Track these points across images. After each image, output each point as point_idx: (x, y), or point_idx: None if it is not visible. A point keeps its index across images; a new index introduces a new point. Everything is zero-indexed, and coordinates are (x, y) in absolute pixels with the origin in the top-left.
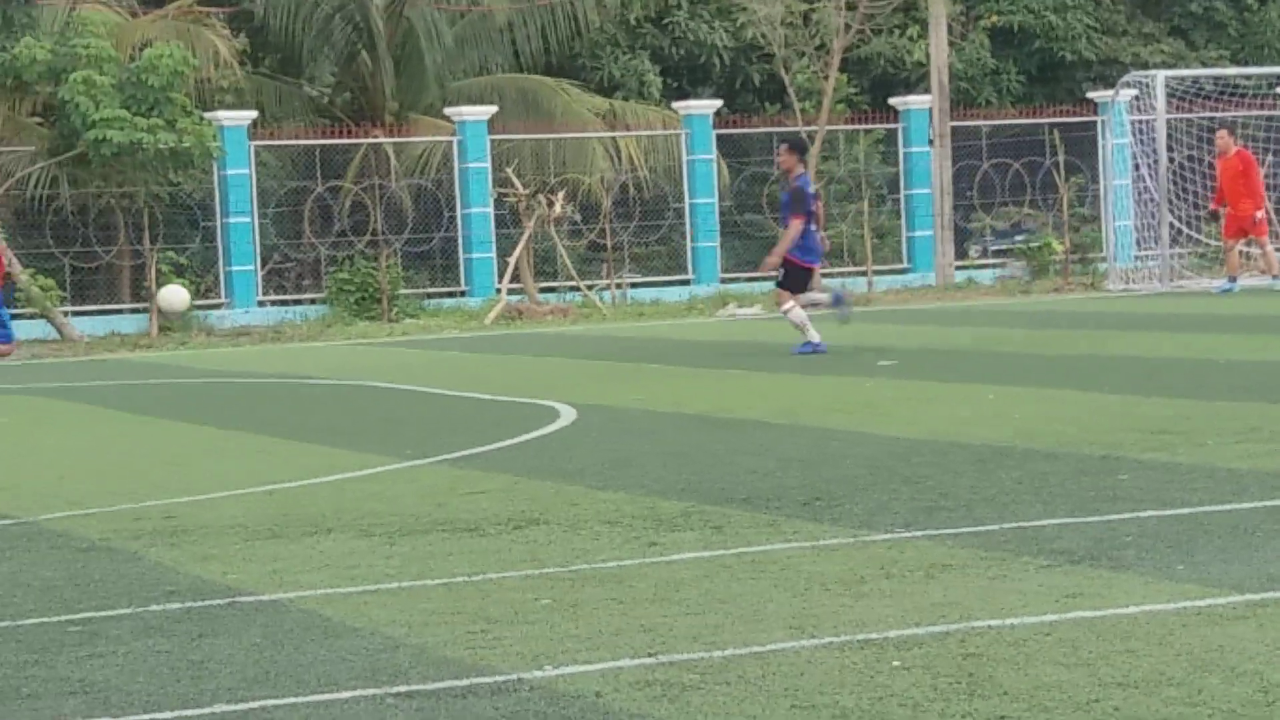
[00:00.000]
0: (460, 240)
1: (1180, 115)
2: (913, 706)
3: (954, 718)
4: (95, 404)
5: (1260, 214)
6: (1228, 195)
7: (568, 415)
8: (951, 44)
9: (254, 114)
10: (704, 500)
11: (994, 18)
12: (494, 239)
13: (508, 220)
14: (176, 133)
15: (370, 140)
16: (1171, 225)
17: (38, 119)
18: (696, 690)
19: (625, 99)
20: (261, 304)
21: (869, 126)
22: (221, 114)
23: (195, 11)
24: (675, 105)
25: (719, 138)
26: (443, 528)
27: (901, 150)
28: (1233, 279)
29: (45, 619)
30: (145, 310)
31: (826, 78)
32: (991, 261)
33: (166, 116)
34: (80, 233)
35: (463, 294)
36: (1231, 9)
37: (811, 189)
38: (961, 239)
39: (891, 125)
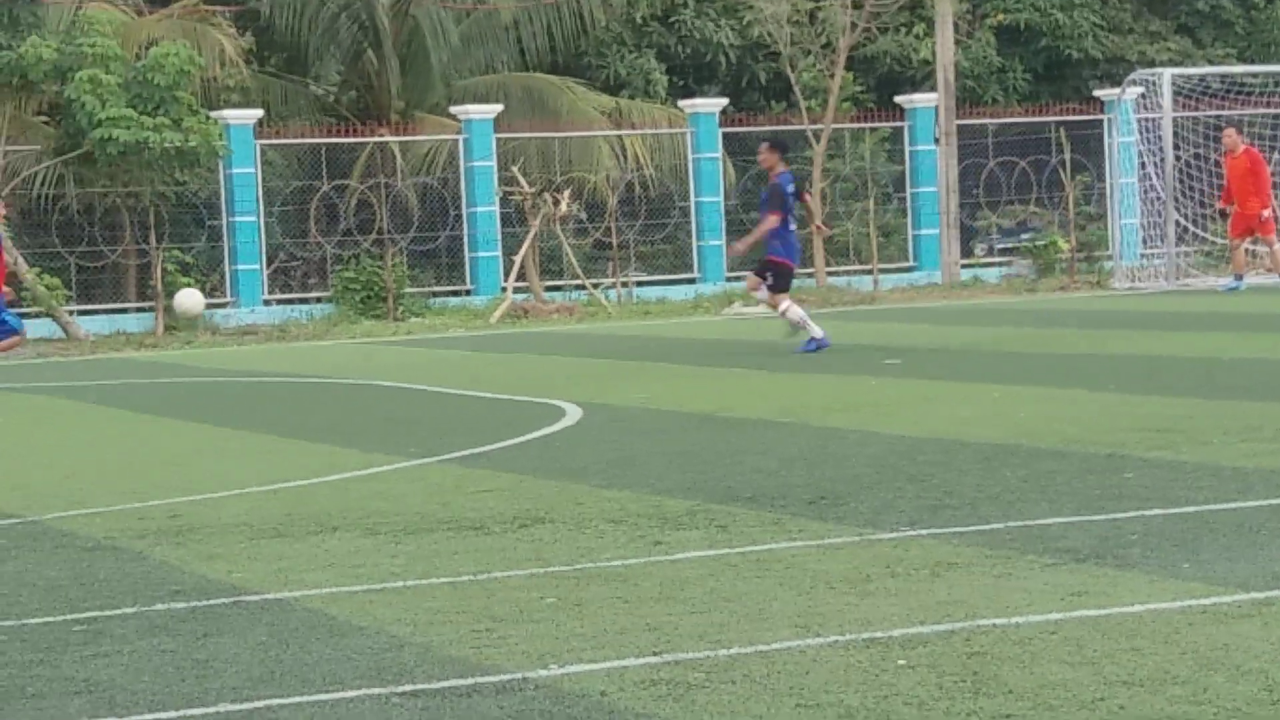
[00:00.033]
0: (466, 239)
1: (1187, 113)
2: (918, 705)
3: (959, 716)
4: (100, 403)
5: (1267, 212)
6: (1235, 194)
7: (573, 414)
8: (957, 42)
9: (260, 113)
10: (709, 499)
11: (1000, 16)
12: (500, 238)
13: (513, 219)
14: (182, 131)
15: (376, 139)
16: (1177, 223)
17: (44, 118)
18: (702, 689)
19: (631, 97)
20: (267, 303)
21: (875, 125)
22: (227, 113)
23: (201, 10)
24: (681, 104)
25: (725, 136)
26: (448, 526)
27: (907, 148)
28: (1238, 277)
29: (50, 618)
30: (151, 309)
31: (832, 76)
32: (997, 260)
33: (172, 115)
34: (86, 232)
35: (468, 293)
36: (1238, 7)
37: (792, 187)
38: (967, 237)
39: (897, 123)
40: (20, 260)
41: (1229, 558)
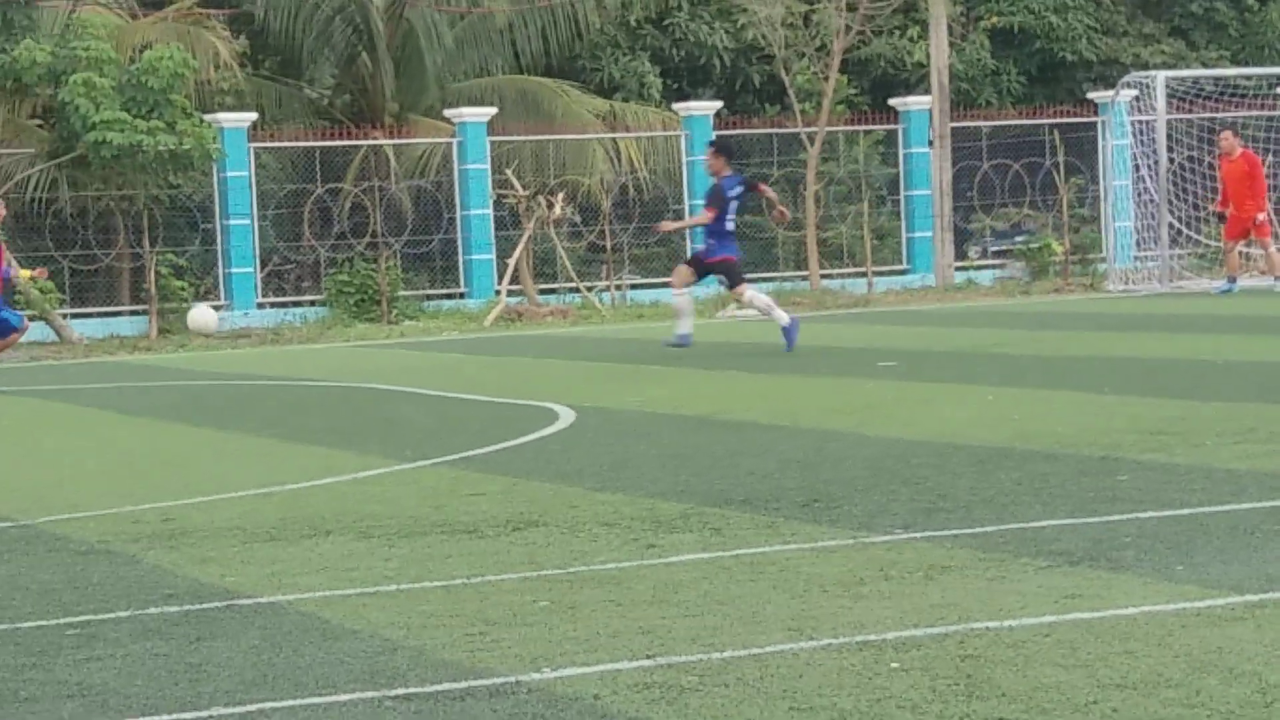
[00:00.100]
0: (460, 242)
1: (1180, 116)
2: (911, 708)
3: (952, 719)
4: (94, 406)
5: (1262, 216)
6: (1232, 196)
7: (567, 417)
8: (952, 45)
9: (254, 116)
10: (703, 502)
11: (994, 18)
12: (494, 240)
13: (507, 222)
14: (176, 135)
15: (370, 142)
16: (1171, 226)
17: (37, 121)
18: (695, 692)
19: (625, 100)
20: (261, 306)
21: (869, 127)
22: (221, 116)
23: (195, 13)
24: (675, 107)
25: (719, 139)
26: (441, 530)
27: (901, 151)
28: (1232, 279)
29: (43, 622)
30: (145, 313)
31: (827, 79)
32: (991, 262)
33: (166, 119)
34: (80, 235)
35: (462, 296)
36: (1232, 9)
37: (737, 190)
38: (961, 240)
39: (891, 126)
40: (14, 264)
41: (1223, 560)
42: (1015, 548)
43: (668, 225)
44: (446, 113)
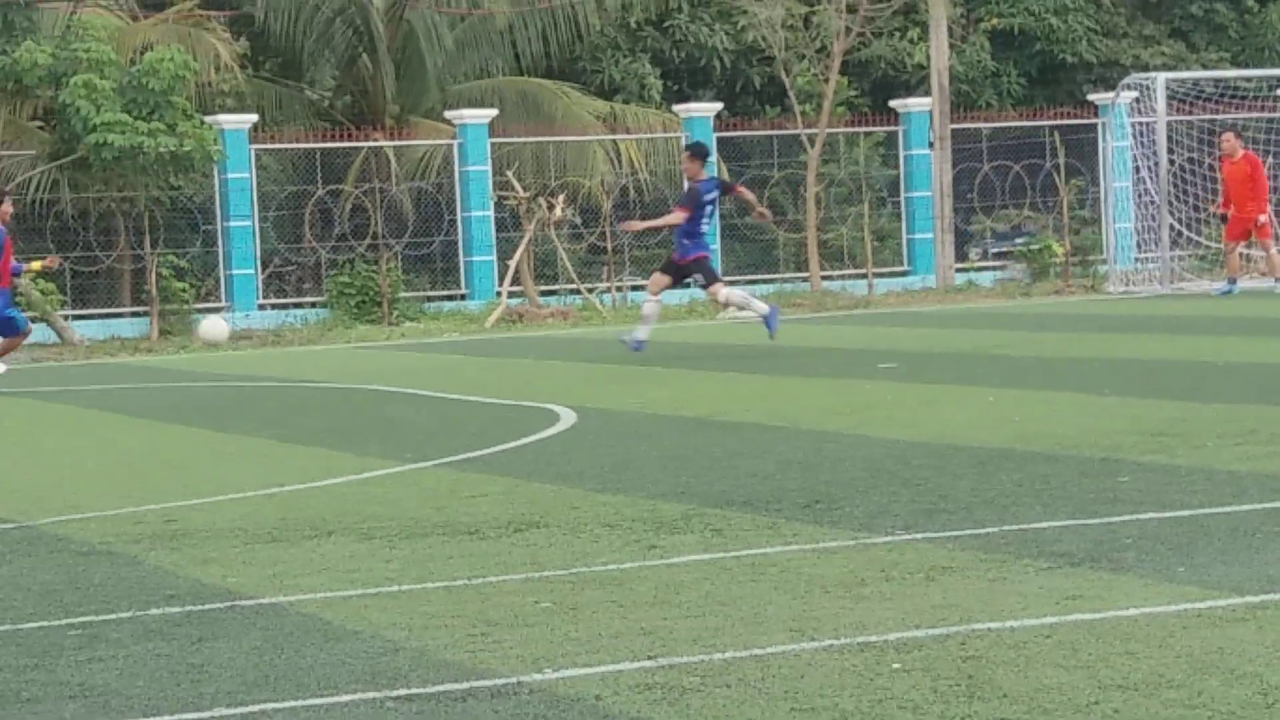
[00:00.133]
0: (461, 243)
1: (1181, 117)
2: (913, 709)
3: None
4: (95, 407)
5: (1264, 217)
6: (1234, 198)
7: (568, 418)
8: (952, 46)
9: (254, 117)
10: (704, 503)
11: (994, 20)
12: (494, 242)
13: (508, 223)
14: (177, 136)
15: (371, 143)
16: (1172, 227)
17: (38, 123)
18: (696, 693)
19: (626, 102)
20: (262, 307)
21: (869, 129)
22: (222, 117)
23: (196, 15)
24: (676, 108)
25: (719, 140)
26: (443, 531)
27: (902, 153)
28: (1232, 281)
29: (45, 623)
30: (145, 314)
31: (827, 80)
32: (992, 264)
33: (167, 120)
34: (81, 236)
35: (463, 297)
36: (1232, 11)
37: (713, 194)
38: (962, 241)
39: (892, 128)
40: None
41: (1224, 561)
42: (1016, 549)
43: (634, 225)
44: (447, 114)
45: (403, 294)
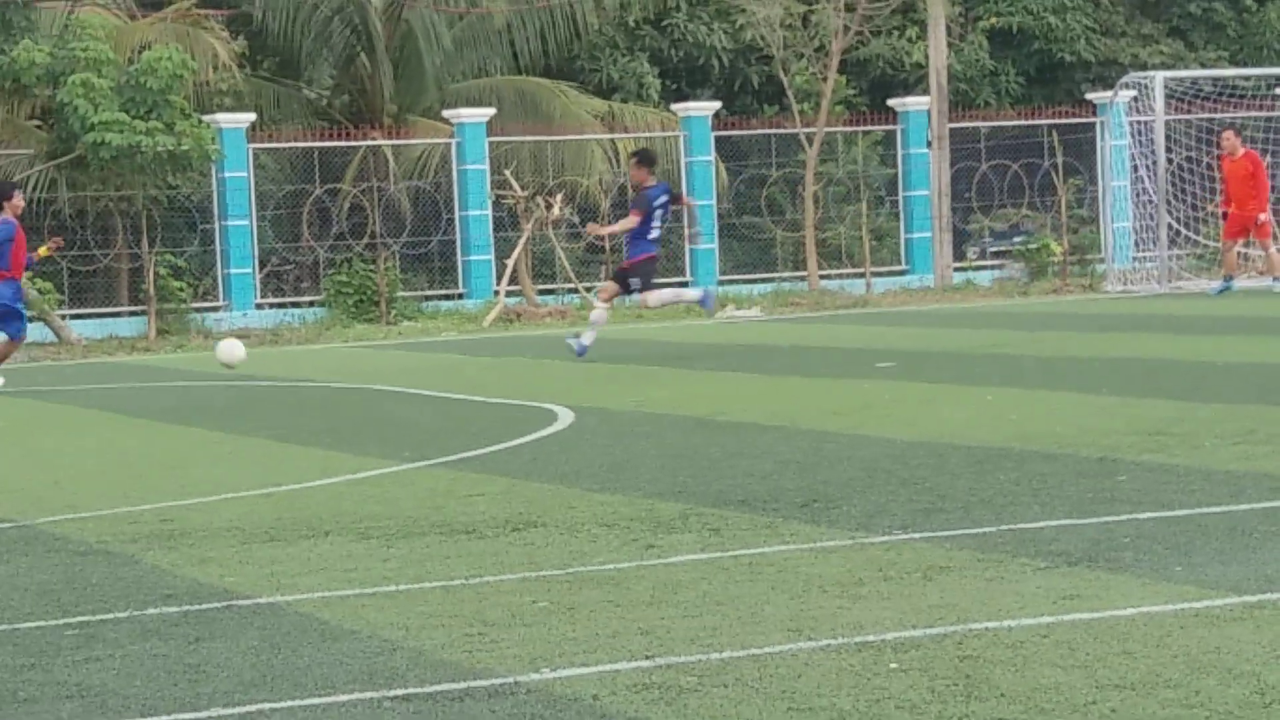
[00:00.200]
0: (458, 242)
1: (1179, 116)
2: (910, 709)
3: (951, 719)
4: (93, 407)
5: (1264, 216)
6: (1234, 196)
7: (565, 418)
8: (950, 45)
9: (252, 116)
10: (701, 502)
11: (993, 19)
12: (492, 241)
13: (506, 222)
14: (175, 135)
15: (369, 142)
16: (1170, 226)
17: (36, 122)
18: (694, 693)
19: (624, 101)
20: (259, 306)
21: (868, 128)
22: (220, 116)
23: (194, 14)
24: (674, 107)
25: (717, 140)
26: (440, 530)
27: (900, 152)
28: (1229, 278)
29: (42, 622)
30: (143, 313)
31: (825, 79)
32: (990, 263)
33: (165, 119)
34: (78, 235)
35: (461, 296)
36: (1230, 10)
37: (663, 199)
38: (960, 240)
39: (890, 127)
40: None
41: (1221, 561)
42: (1014, 548)
43: (597, 229)
44: (445, 113)
45: (400, 293)
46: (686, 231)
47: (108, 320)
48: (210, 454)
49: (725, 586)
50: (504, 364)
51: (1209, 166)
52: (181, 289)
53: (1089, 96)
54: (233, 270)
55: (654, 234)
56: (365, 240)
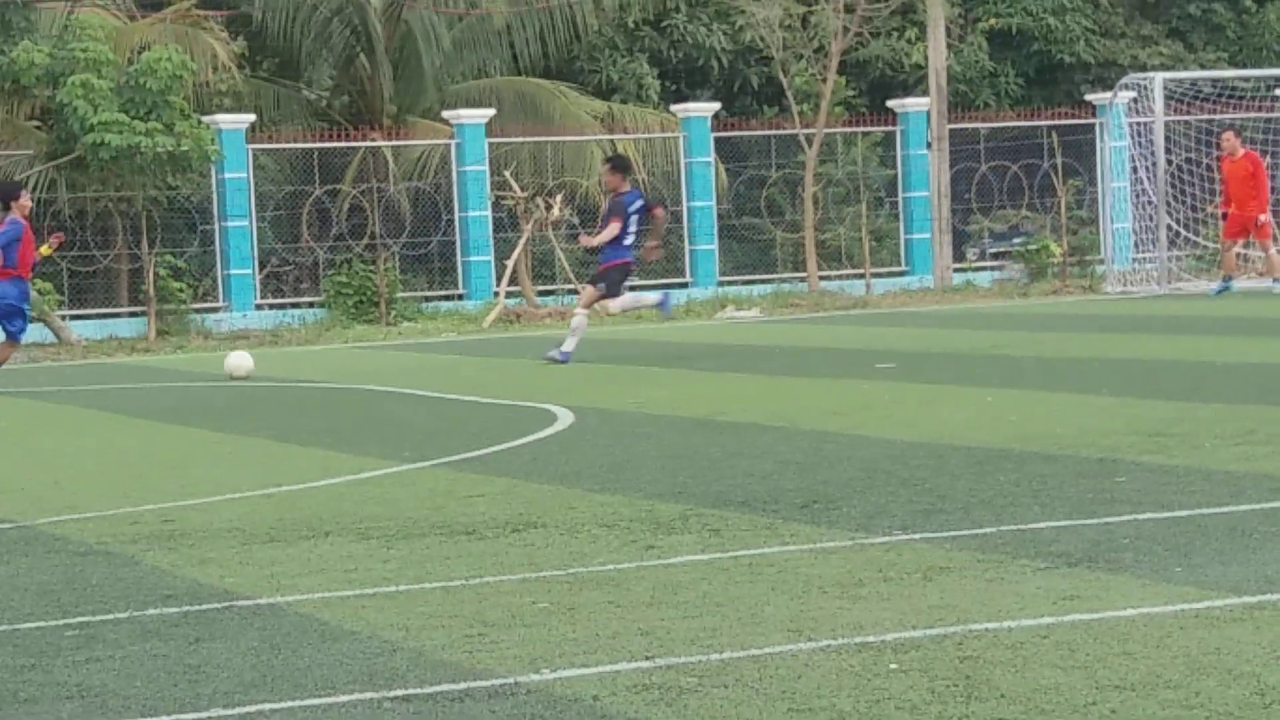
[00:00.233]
0: (458, 243)
1: (1178, 117)
2: (910, 709)
3: None
4: (92, 407)
5: (1264, 217)
6: (1234, 196)
7: (565, 418)
8: (950, 46)
9: (252, 117)
10: (702, 503)
11: (992, 20)
12: (492, 242)
13: (506, 223)
14: (175, 136)
15: (368, 143)
16: (1169, 227)
17: (36, 123)
18: (694, 693)
19: (623, 102)
20: (259, 307)
21: (867, 129)
22: (220, 117)
23: (193, 15)
24: (673, 108)
25: (717, 141)
26: (440, 531)
27: (899, 153)
28: (1228, 278)
29: (42, 623)
30: (143, 314)
31: (825, 80)
32: (989, 264)
33: (165, 120)
34: (78, 236)
35: (460, 297)
36: (1230, 11)
37: (638, 204)
38: (959, 241)
39: (890, 128)
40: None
41: (1221, 561)
42: (1014, 549)
43: (589, 240)
44: (445, 114)
45: (400, 294)
46: (646, 243)
47: (107, 321)
48: (210, 454)
49: (725, 587)
50: (504, 365)
51: (1208, 168)
52: (181, 290)
53: (1088, 98)
54: (232, 271)
55: (629, 239)
56: (365, 241)
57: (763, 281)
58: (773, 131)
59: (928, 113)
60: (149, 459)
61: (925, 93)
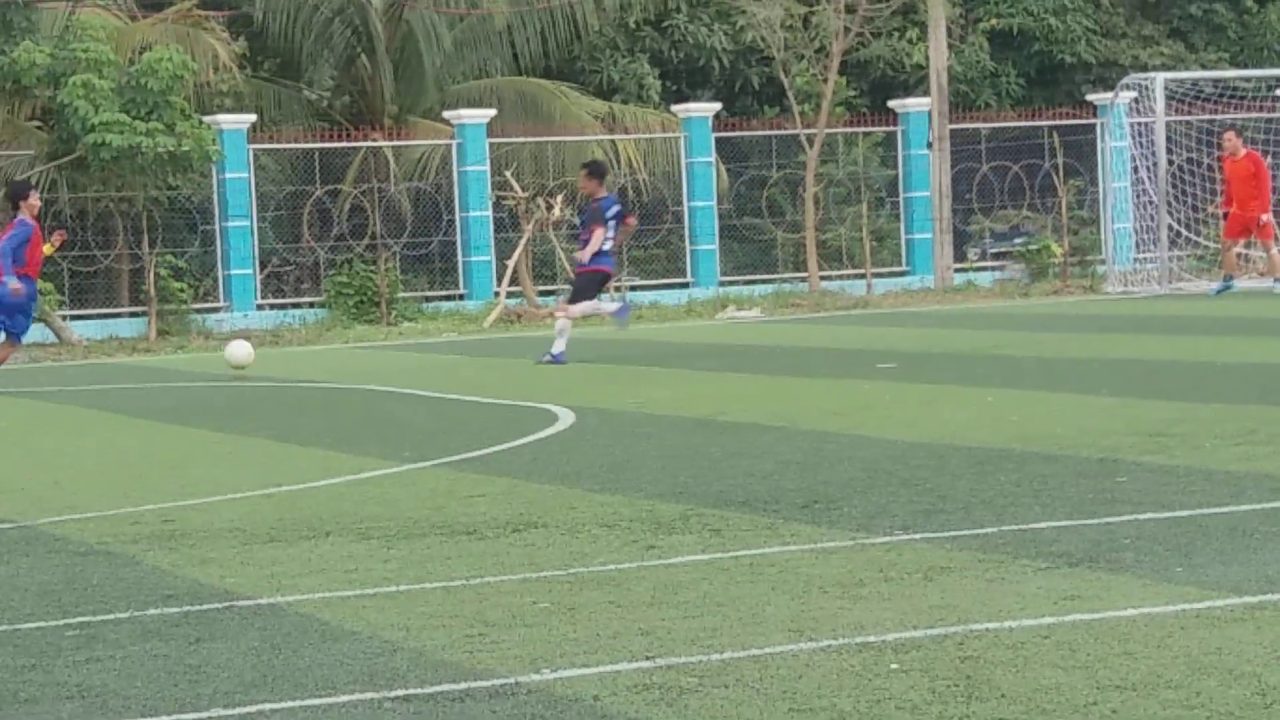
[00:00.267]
0: (459, 243)
1: (1179, 118)
2: (911, 709)
3: None
4: (93, 407)
5: (1266, 217)
6: (1236, 197)
7: (566, 418)
8: (951, 47)
9: (253, 117)
10: (702, 503)
11: (993, 20)
12: (493, 242)
13: (506, 223)
14: (175, 136)
15: (369, 144)
16: (1170, 228)
17: (37, 123)
18: (695, 693)
19: (624, 102)
20: (260, 307)
21: (868, 129)
22: (221, 117)
23: (194, 15)
24: (674, 108)
25: (718, 141)
26: (441, 531)
27: (901, 153)
28: (1229, 278)
29: (43, 623)
30: (144, 314)
31: (826, 80)
32: (990, 264)
33: (166, 120)
34: (79, 236)
35: (461, 297)
36: (1231, 11)
37: (615, 209)
38: (960, 242)
39: (891, 128)
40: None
41: (1222, 561)
42: (1014, 549)
43: (584, 255)
44: (445, 114)
45: (401, 294)
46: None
47: (108, 321)
48: (211, 454)
49: (726, 587)
50: (504, 365)
51: (1209, 168)
52: (182, 290)
53: (1089, 98)
54: (233, 271)
55: (608, 244)
56: (366, 241)
57: (764, 281)
58: (774, 132)
59: (929, 113)
60: (149, 459)
61: (926, 93)
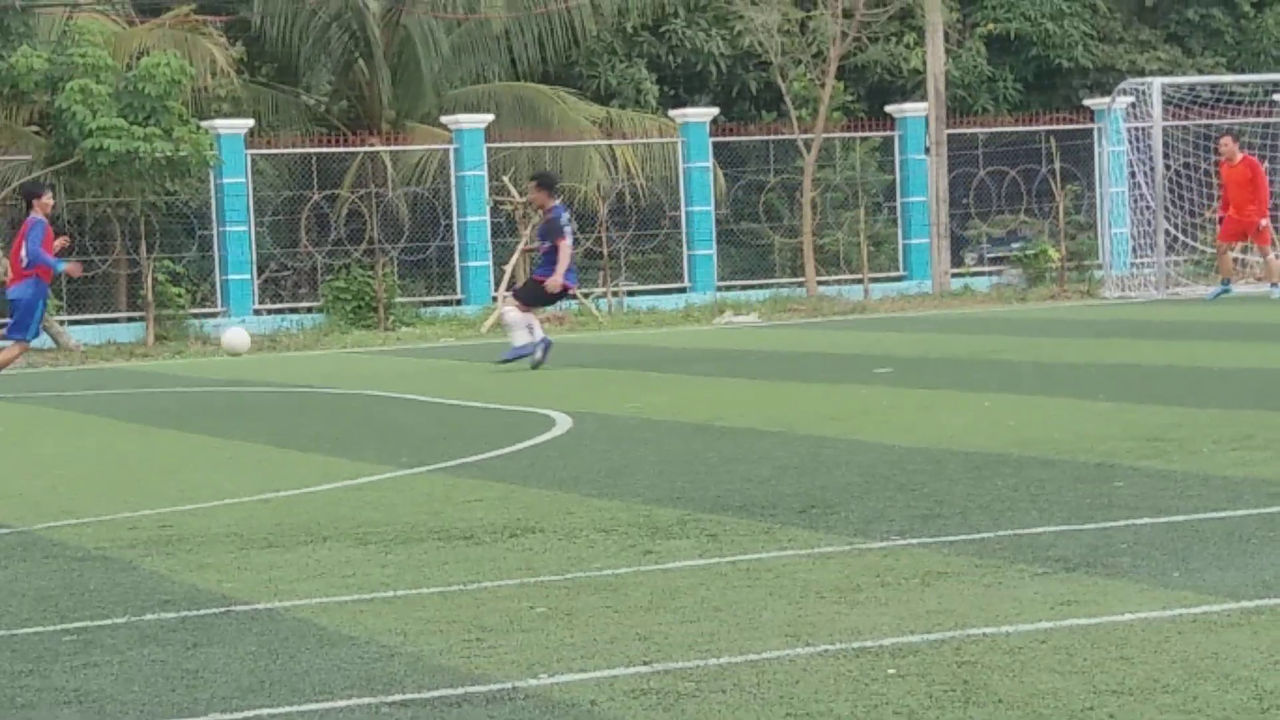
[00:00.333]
0: (457, 248)
1: (1177, 122)
2: (908, 715)
3: None
4: (91, 413)
5: (1265, 221)
6: (1233, 202)
7: (563, 424)
8: (948, 52)
9: (251, 122)
10: (699, 508)
11: (990, 25)
12: (490, 247)
13: (504, 228)
14: (173, 141)
15: (367, 149)
16: (1167, 233)
17: (34, 128)
18: (692, 698)
19: (622, 107)
20: (258, 312)
21: (865, 134)
22: (218, 122)
23: (192, 20)
24: (672, 113)
25: (715, 146)
26: (438, 536)
27: (898, 158)
28: (1226, 282)
29: (40, 628)
30: (141, 319)
31: (823, 85)
32: (988, 269)
33: (163, 125)
34: (77, 241)
35: (459, 302)
36: (1228, 16)
37: (566, 218)
38: (958, 247)
39: (888, 133)
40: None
41: (1219, 566)
42: (1011, 554)
43: (558, 277)
44: (443, 119)
45: (399, 299)
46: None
47: (106, 326)
48: (208, 459)
49: (723, 592)
50: (501, 370)
51: (1206, 173)
52: (180, 295)
53: (1087, 103)
54: (231, 276)
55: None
56: (363, 246)
57: (761, 286)
58: (771, 136)
59: (926, 118)
60: (147, 464)
61: (924, 98)
